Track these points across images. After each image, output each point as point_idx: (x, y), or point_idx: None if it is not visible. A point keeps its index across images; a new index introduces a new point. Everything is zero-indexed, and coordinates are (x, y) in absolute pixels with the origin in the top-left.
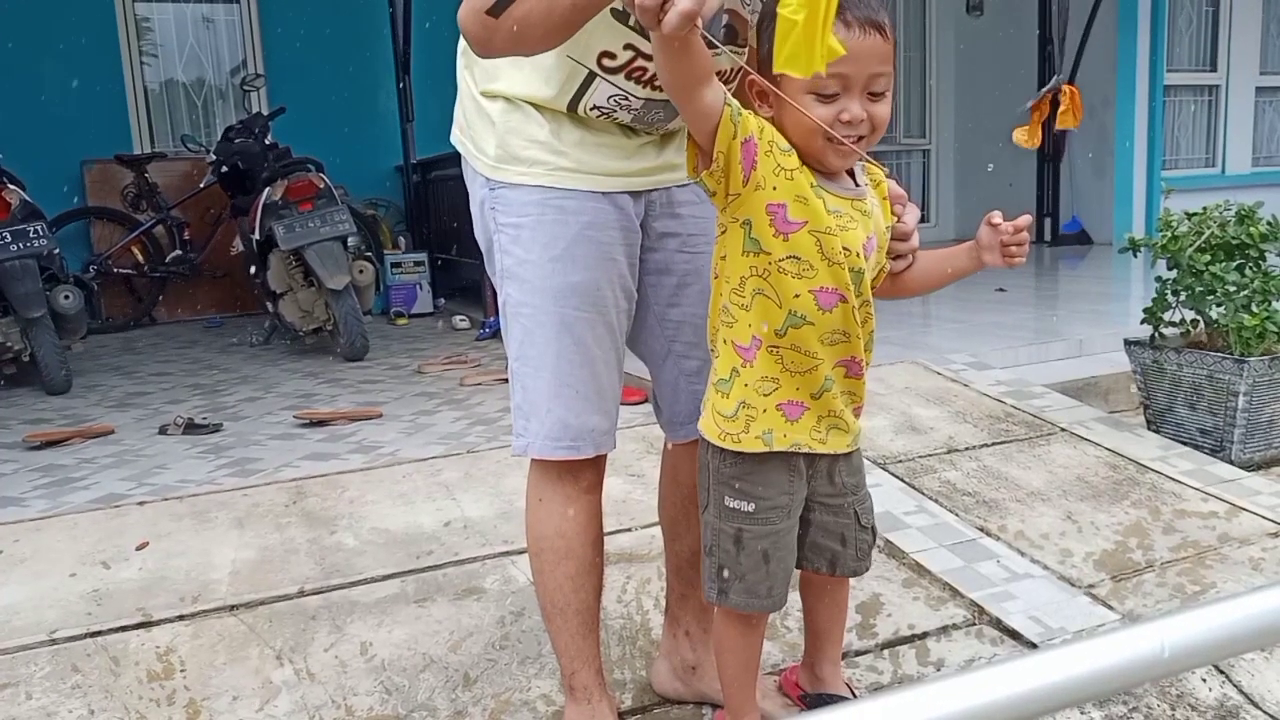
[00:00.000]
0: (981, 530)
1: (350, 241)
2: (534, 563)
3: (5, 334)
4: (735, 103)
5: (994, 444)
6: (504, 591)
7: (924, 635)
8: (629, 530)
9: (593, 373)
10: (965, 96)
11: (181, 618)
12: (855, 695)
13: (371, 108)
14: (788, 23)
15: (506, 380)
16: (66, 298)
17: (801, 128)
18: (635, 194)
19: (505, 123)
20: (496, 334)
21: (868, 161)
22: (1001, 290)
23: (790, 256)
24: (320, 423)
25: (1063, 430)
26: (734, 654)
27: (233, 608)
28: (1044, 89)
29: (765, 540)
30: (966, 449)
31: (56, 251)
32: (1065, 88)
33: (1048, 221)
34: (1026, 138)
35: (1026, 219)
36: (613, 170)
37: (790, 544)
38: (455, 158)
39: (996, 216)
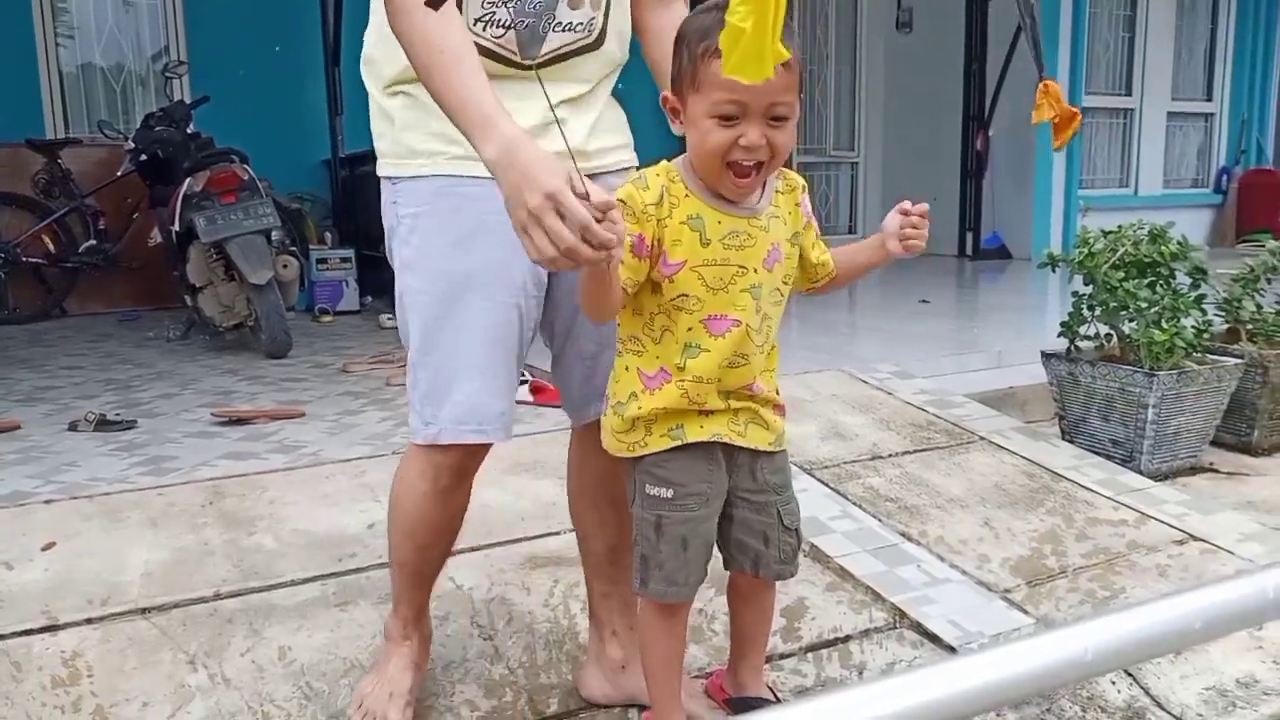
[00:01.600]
0: (903, 535)
1: (274, 235)
2: (393, 532)
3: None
4: (621, 259)
5: (916, 451)
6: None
7: (847, 638)
8: (557, 534)
9: (499, 357)
10: (893, 111)
11: (89, 621)
12: (778, 699)
13: (299, 99)
14: (735, 30)
15: None
16: None
17: (701, 150)
18: None
19: (403, 119)
20: None
21: (782, 174)
22: (925, 302)
23: (680, 295)
24: (240, 421)
25: (982, 439)
26: (657, 646)
27: (144, 610)
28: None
29: (683, 526)
30: (890, 456)
31: None
32: (1041, 84)
33: (970, 236)
34: (1058, 143)
35: (924, 206)
36: None
37: (708, 533)
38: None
39: (906, 203)
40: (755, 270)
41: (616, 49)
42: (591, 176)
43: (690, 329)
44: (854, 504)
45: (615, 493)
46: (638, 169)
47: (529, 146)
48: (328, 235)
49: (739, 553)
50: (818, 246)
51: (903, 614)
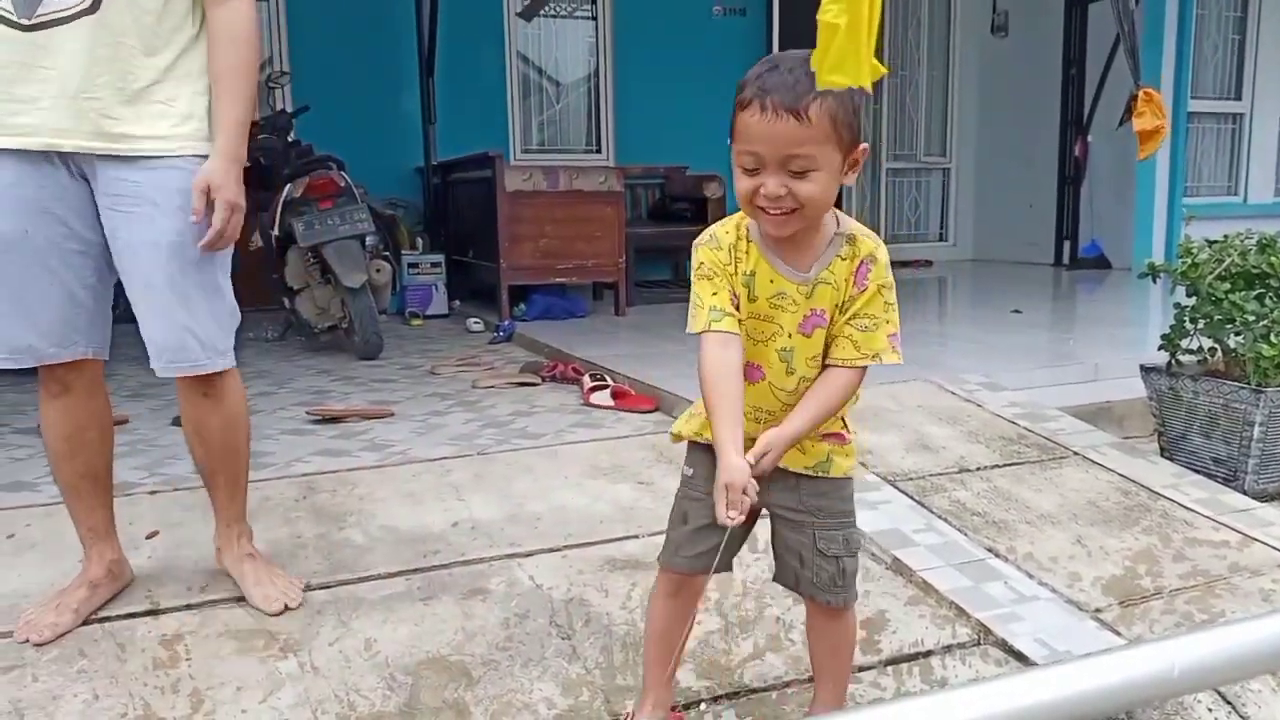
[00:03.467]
0: (990, 551)
1: (368, 240)
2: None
3: None
4: (724, 326)
5: (1005, 465)
6: (509, 593)
7: (929, 653)
8: (635, 537)
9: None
10: (988, 116)
11: (189, 607)
12: None
13: (394, 108)
14: (829, 28)
15: (520, 384)
16: None
17: (740, 194)
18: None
19: None
20: (511, 337)
21: (854, 234)
22: (1018, 312)
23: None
24: (333, 419)
25: (1075, 454)
26: (653, 619)
27: (239, 599)
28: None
29: (689, 503)
30: (978, 469)
31: None
32: (1141, 91)
33: (1067, 245)
34: (1144, 153)
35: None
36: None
37: (698, 528)
38: (475, 161)
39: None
40: (790, 335)
41: (128, 22)
42: (114, 158)
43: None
44: (939, 517)
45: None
46: (193, 158)
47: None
48: (419, 241)
49: (781, 567)
50: (846, 331)
51: (988, 631)
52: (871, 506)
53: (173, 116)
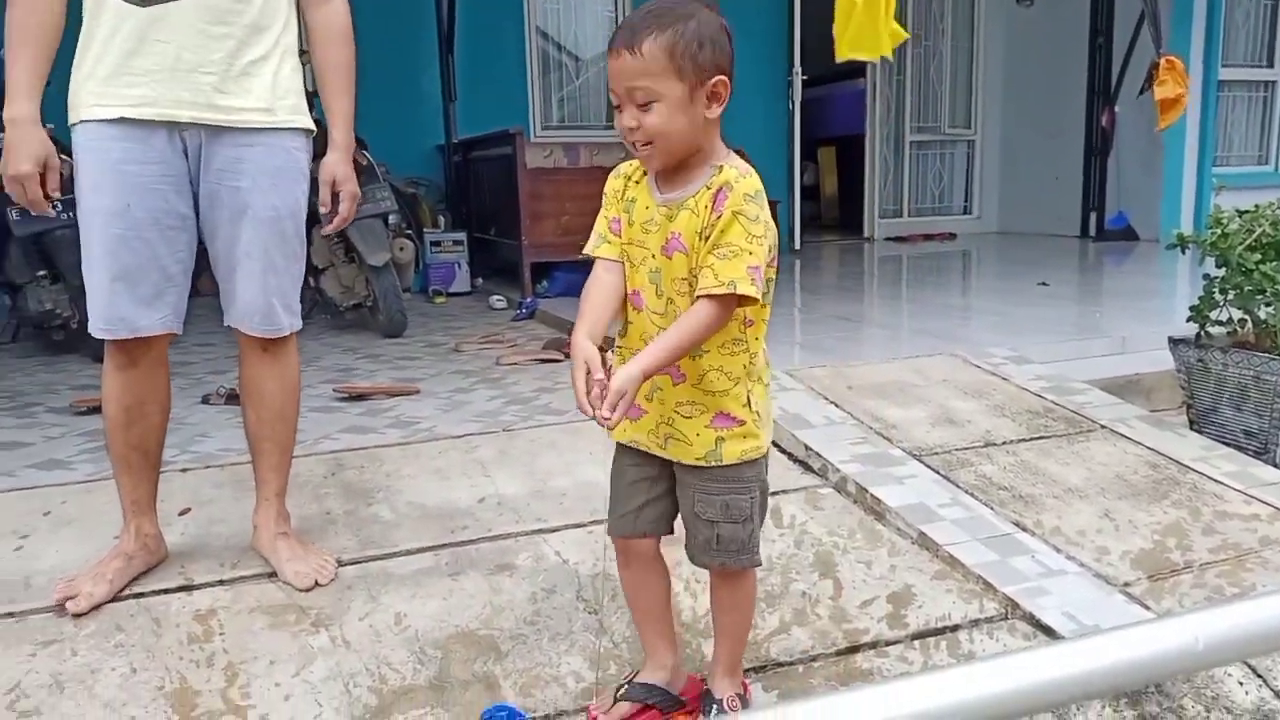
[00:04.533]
0: (1017, 525)
1: (391, 219)
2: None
3: (55, 301)
4: (600, 252)
5: (1032, 439)
6: (535, 568)
7: (955, 628)
8: None
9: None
10: (1013, 88)
11: (222, 582)
12: (733, 707)
13: (414, 87)
14: (847, 4)
15: (543, 360)
16: None
17: (619, 131)
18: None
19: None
20: (533, 314)
21: (723, 165)
22: (1044, 284)
23: (626, 266)
24: (359, 397)
25: (1103, 427)
26: (623, 589)
27: (271, 575)
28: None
29: (616, 465)
30: (1004, 443)
31: None
32: (1163, 59)
33: (1093, 216)
34: (1163, 123)
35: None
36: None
37: (635, 481)
38: (496, 138)
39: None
40: (655, 256)
41: (241, 1)
42: (222, 130)
43: (627, 299)
44: (965, 491)
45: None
46: (293, 130)
47: None
48: (441, 219)
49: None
50: (709, 260)
51: (1015, 605)
52: (898, 481)
53: (275, 90)
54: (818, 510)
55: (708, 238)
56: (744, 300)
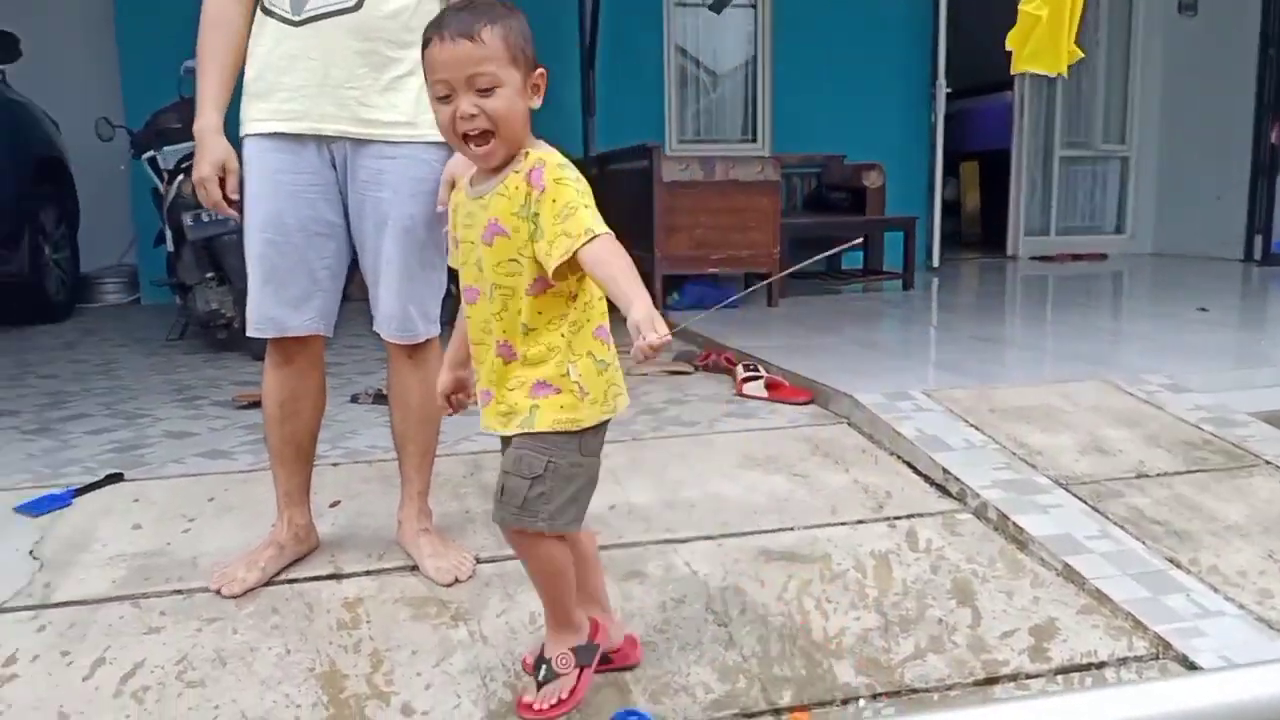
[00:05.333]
0: (1171, 561)
1: None
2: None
3: (220, 301)
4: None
5: (1189, 472)
6: (665, 578)
7: (1102, 664)
8: (790, 530)
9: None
10: (1172, 102)
11: (368, 573)
12: (558, 668)
13: (555, 102)
14: (1030, 19)
15: (674, 373)
16: None
17: (443, 127)
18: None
19: None
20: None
21: (529, 151)
22: (1203, 310)
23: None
24: None
25: (1267, 463)
26: None
27: (413, 568)
28: None
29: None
30: (1158, 475)
31: None
32: None
33: (1259, 239)
34: None
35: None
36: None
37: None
38: (633, 152)
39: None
40: (475, 245)
41: (386, 17)
42: (366, 142)
43: (464, 299)
44: (1115, 524)
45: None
46: (433, 144)
47: None
48: None
49: None
50: (555, 229)
51: (1167, 645)
52: (1042, 510)
53: (419, 104)
54: (955, 536)
55: (536, 214)
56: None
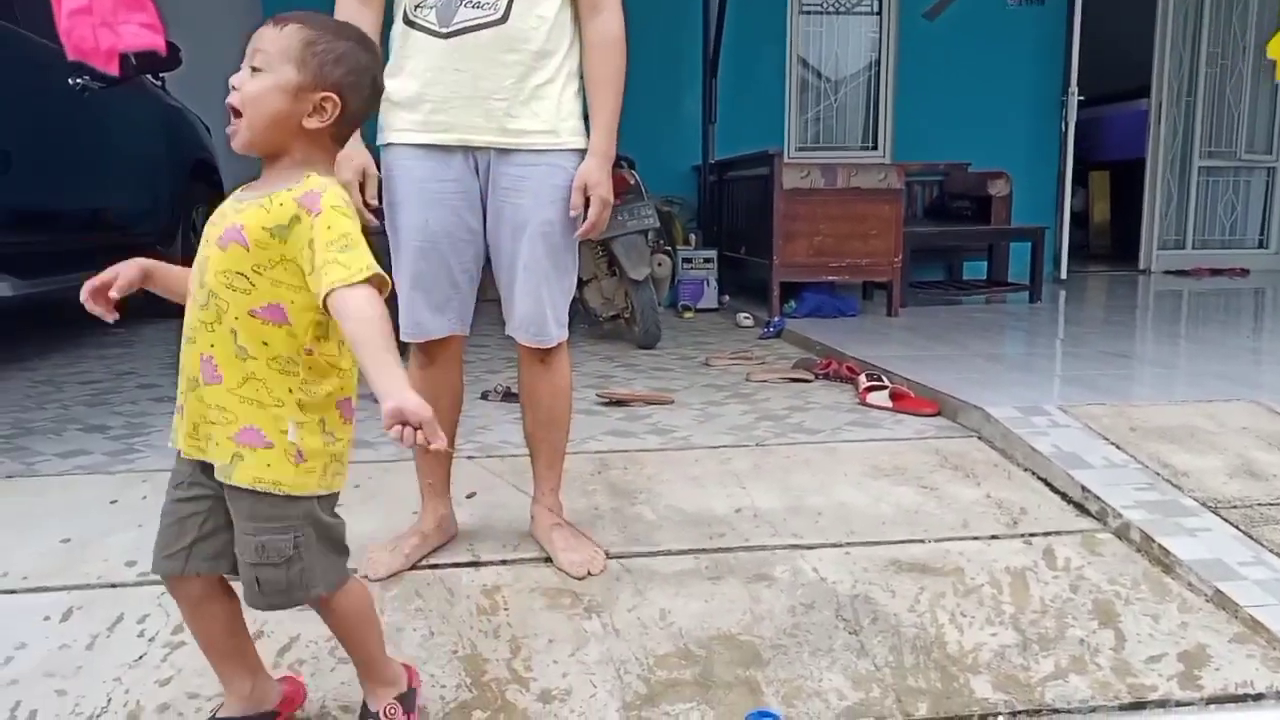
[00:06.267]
0: None
1: (651, 235)
2: None
3: None
4: None
5: None
6: (794, 582)
7: (1259, 696)
8: (921, 542)
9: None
10: None
11: (504, 562)
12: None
13: (676, 109)
14: None
15: (793, 380)
16: None
17: None
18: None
19: None
20: (780, 333)
21: (311, 174)
22: None
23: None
24: (619, 402)
25: None
26: None
27: (546, 560)
28: None
29: (165, 500)
30: None
31: None
32: None
33: None
34: None
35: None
36: None
37: (172, 526)
38: (754, 159)
39: None
40: (209, 244)
41: (530, 29)
42: (510, 151)
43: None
44: (1271, 551)
45: None
46: (572, 151)
47: None
48: (692, 236)
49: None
50: (328, 255)
51: None
52: (1189, 533)
53: (559, 113)
54: (1095, 556)
55: (311, 241)
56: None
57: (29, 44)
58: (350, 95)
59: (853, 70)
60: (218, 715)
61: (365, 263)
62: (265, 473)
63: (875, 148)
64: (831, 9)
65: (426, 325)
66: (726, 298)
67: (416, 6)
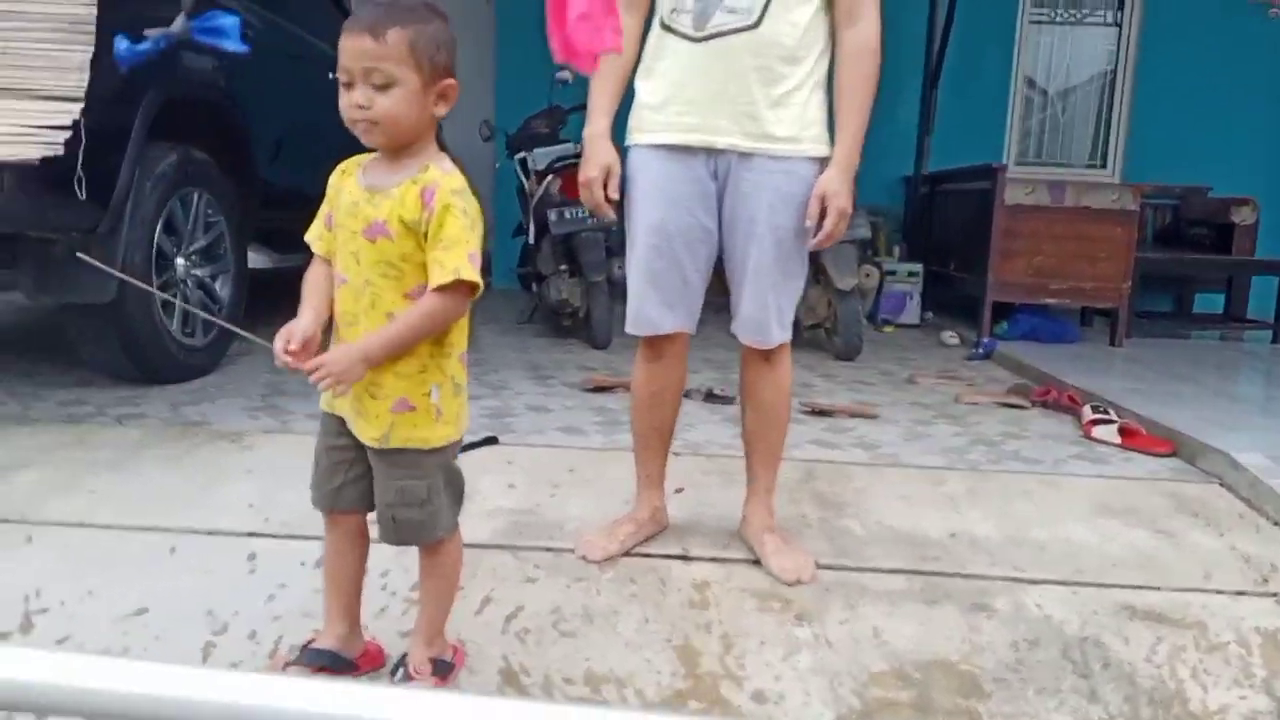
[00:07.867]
0: None
1: (860, 246)
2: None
3: (570, 292)
4: (316, 247)
5: None
6: (1016, 616)
7: None
8: (1158, 589)
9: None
10: None
11: (715, 559)
12: (415, 674)
13: (891, 119)
14: None
15: (1006, 405)
16: (619, 268)
17: (343, 111)
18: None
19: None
20: (990, 355)
21: (430, 165)
22: None
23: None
24: (822, 413)
25: None
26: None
27: (755, 562)
28: None
29: (320, 443)
30: None
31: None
32: None
33: None
34: None
35: None
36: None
37: (325, 470)
38: (973, 172)
39: None
40: (356, 236)
41: (782, 35)
42: (751, 155)
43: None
44: None
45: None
46: (811, 159)
47: None
48: (896, 249)
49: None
50: (434, 255)
51: None
52: None
53: (803, 120)
54: None
55: (426, 234)
56: (470, 288)
57: (300, 41)
58: (455, 68)
59: (1083, 84)
60: (312, 644)
61: (456, 264)
62: (413, 433)
63: (1103, 165)
64: (1063, 19)
65: (656, 321)
66: (930, 314)
67: (673, 11)
